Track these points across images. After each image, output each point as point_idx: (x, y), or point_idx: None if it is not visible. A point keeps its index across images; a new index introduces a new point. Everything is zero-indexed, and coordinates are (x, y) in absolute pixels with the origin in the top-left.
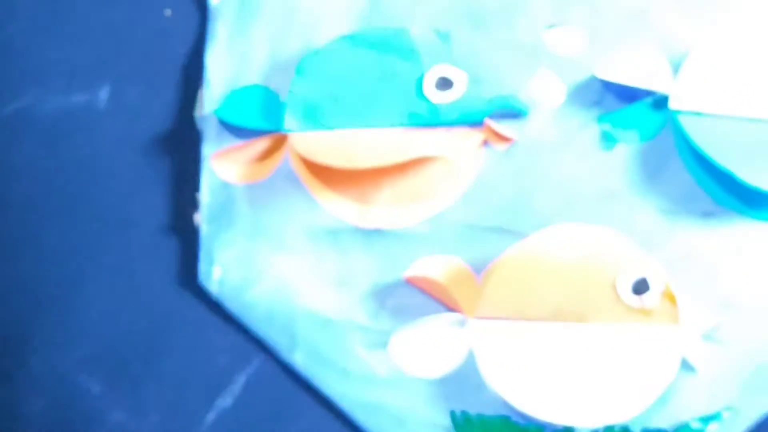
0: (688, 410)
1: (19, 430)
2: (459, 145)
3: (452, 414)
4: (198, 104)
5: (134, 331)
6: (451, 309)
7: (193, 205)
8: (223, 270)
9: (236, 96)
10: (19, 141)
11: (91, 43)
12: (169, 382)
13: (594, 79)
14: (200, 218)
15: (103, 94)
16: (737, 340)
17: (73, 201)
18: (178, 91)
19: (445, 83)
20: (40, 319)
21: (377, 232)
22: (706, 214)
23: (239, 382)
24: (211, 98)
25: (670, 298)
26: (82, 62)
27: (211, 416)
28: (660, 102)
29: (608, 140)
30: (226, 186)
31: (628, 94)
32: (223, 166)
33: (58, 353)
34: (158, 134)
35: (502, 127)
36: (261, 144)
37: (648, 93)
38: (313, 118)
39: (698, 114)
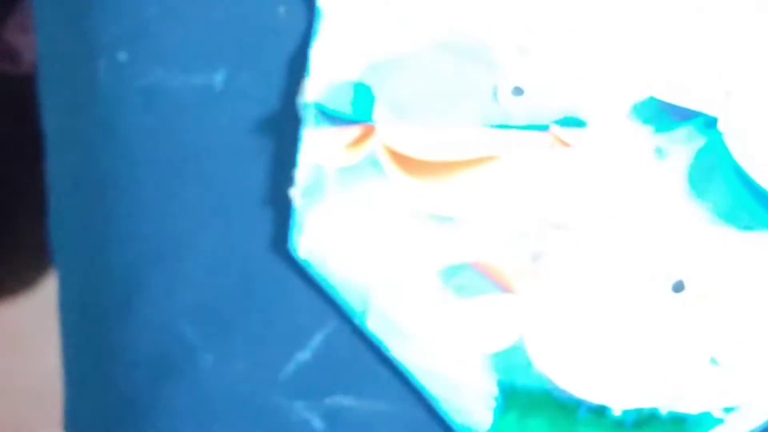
0: (711, 400)
1: (125, 372)
2: (525, 147)
3: (500, 384)
4: (301, 93)
5: (229, 287)
6: (507, 292)
7: (290, 181)
8: (310, 240)
9: (335, 88)
10: (146, 112)
11: (211, 30)
12: (255, 334)
13: (653, 99)
14: (295, 193)
15: (219, 77)
16: (763, 340)
17: (185, 169)
18: (285, 80)
19: (517, 91)
20: (150, 271)
21: (449, 219)
22: (747, 228)
23: (317, 339)
24: (313, 88)
25: (703, 299)
26: (203, 47)
27: (290, 366)
28: (710, 123)
29: (660, 155)
30: (319, 167)
31: (682, 114)
32: (318, 148)
33: (163, 302)
34: (264, 117)
35: (565, 132)
36: (352, 132)
37: (699, 114)
38: (399, 113)
39: (745, 135)
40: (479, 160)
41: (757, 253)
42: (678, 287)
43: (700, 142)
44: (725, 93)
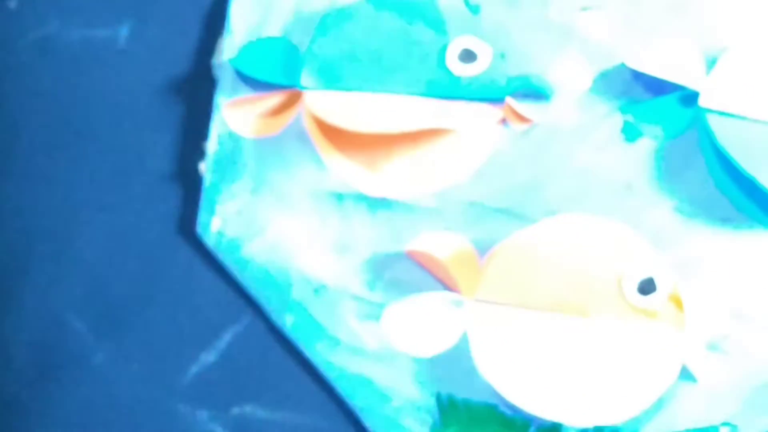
0: (683, 420)
1: (5, 366)
2: (476, 121)
3: (438, 396)
4: (217, 52)
5: (126, 275)
6: (449, 288)
7: (200, 153)
8: (222, 222)
9: (255, 47)
10: (38, 69)
11: None
12: (155, 331)
13: (623, 68)
14: (205, 168)
15: (124, 31)
16: (744, 353)
17: (81, 134)
18: (199, 37)
19: (468, 56)
20: (35, 252)
21: (383, 201)
22: (724, 220)
23: (225, 338)
24: (230, 46)
25: (677, 301)
26: None
27: (193, 369)
28: (689, 98)
29: (631, 132)
30: (234, 137)
31: (656, 87)
32: (234, 116)
33: (50, 289)
34: (174, 78)
35: (523, 106)
36: (275, 98)
37: (678, 87)
38: (331, 77)
39: (728, 115)
40: (420, 135)
41: (735, 250)
42: (646, 288)
43: (677, 120)
44: (707, 63)
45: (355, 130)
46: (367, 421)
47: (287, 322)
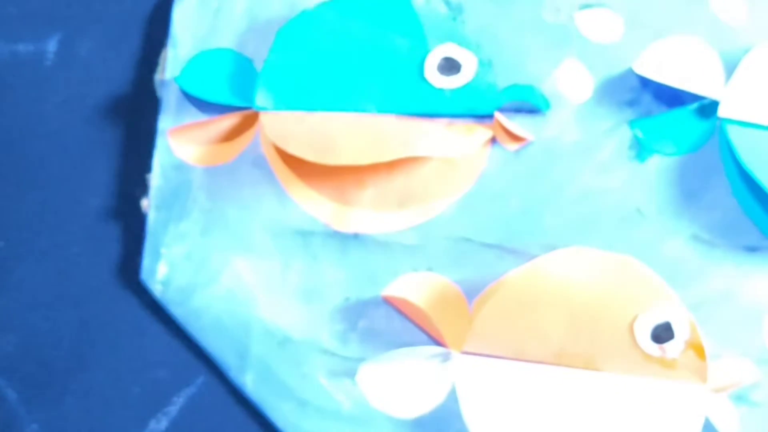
0: None
1: None
2: (461, 141)
3: None
4: (160, 66)
5: (61, 331)
6: (434, 339)
7: (142, 187)
8: (169, 268)
9: (203, 60)
10: None
11: None
12: (95, 397)
13: (630, 74)
14: (148, 204)
15: (52, 45)
16: None
17: (7, 166)
18: (138, 49)
19: (450, 65)
20: None
21: (355, 238)
22: (751, 249)
23: (178, 403)
24: (175, 60)
25: (697, 348)
26: (30, 6)
27: None
28: (707, 108)
29: (641, 149)
30: (182, 167)
31: (669, 96)
32: (180, 143)
33: None
34: (110, 98)
35: (515, 123)
36: (227, 121)
37: (694, 96)
38: (290, 95)
39: (753, 126)
40: (397, 164)
41: (765, 284)
42: (662, 334)
43: (693, 134)
44: (726, 67)
45: (322, 161)
46: None
47: (248, 381)
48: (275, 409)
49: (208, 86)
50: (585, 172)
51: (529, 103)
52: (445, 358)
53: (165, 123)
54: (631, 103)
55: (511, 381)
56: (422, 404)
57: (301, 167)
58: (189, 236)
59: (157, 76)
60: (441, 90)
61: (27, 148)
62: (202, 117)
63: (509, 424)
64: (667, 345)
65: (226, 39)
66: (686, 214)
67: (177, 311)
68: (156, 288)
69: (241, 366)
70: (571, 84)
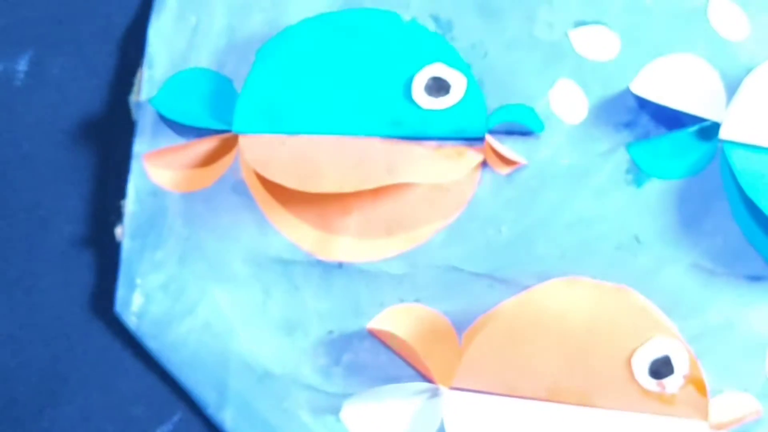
0: None
1: None
2: (450, 166)
3: None
4: (135, 87)
5: (31, 366)
6: (422, 374)
7: (117, 214)
8: (144, 298)
9: (180, 81)
10: None
11: (10, 1)
12: None
13: (627, 94)
14: (122, 231)
15: (22, 64)
16: None
17: None
18: (113, 69)
19: (439, 86)
20: None
21: (338, 267)
22: (754, 278)
23: None
24: (151, 81)
25: (698, 383)
26: None
27: None
28: (708, 131)
29: (638, 173)
30: (157, 193)
31: (667, 117)
32: (156, 168)
33: None
34: (83, 120)
35: (506, 146)
36: (205, 145)
37: (694, 118)
38: (271, 117)
39: (756, 149)
40: (383, 190)
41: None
42: (660, 369)
43: (694, 157)
44: (727, 87)
45: (304, 188)
46: None
47: (227, 418)
48: None
49: (186, 108)
50: (580, 197)
51: (521, 125)
52: (434, 394)
53: (140, 147)
54: (629, 125)
55: (502, 418)
56: None
57: (282, 193)
58: (165, 265)
59: (133, 98)
60: (429, 111)
61: None
62: (179, 140)
63: None
64: (666, 380)
65: (204, 58)
66: (686, 241)
67: (152, 345)
68: (131, 320)
69: (219, 402)
70: (566, 104)
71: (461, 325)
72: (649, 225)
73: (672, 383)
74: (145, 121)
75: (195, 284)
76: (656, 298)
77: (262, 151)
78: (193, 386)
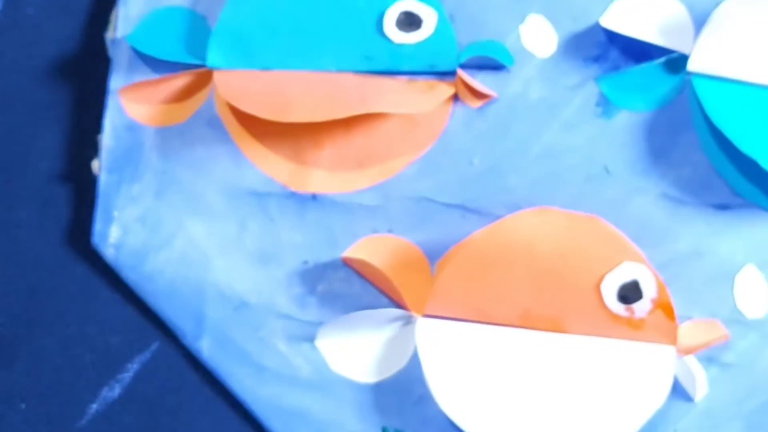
0: None
1: None
2: (421, 98)
3: (384, 431)
4: (111, 25)
5: (10, 296)
6: (395, 302)
7: (93, 148)
8: (122, 231)
9: (155, 18)
10: None
11: None
12: (45, 365)
13: (596, 28)
14: (99, 165)
15: None
16: (748, 366)
17: None
18: (88, 7)
19: (410, 20)
20: None
21: (313, 199)
22: (722, 207)
23: (131, 370)
24: (126, 18)
25: (666, 308)
26: None
27: (93, 408)
28: (676, 63)
29: (608, 105)
30: (134, 128)
31: (636, 50)
32: (132, 103)
33: None
34: (59, 57)
35: (478, 80)
36: (180, 80)
37: (662, 51)
38: (244, 52)
39: (723, 81)
40: (354, 120)
41: (736, 243)
42: (629, 294)
43: (662, 89)
44: (695, 20)
45: (274, 119)
46: None
47: (203, 347)
48: (232, 375)
49: (161, 44)
50: (550, 129)
51: (492, 59)
52: (407, 321)
53: (116, 83)
54: (598, 59)
55: (475, 344)
56: (383, 369)
57: (256, 127)
58: (142, 199)
59: (108, 35)
60: (400, 46)
61: None
62: (155, 76)
63: (473, 388)
64: (634, 305)
65: None
66: (655, 172)
67: (130, 276)
68: (108, 252)
69: (196, 331)
70: (536, 39)
71: (434, 255)
72: (619, 156)
73: (640, 308)
74: (120, 57)
75: (171, 216)
76: (625, 228)
77: (235, 85)
78: (170, 316)
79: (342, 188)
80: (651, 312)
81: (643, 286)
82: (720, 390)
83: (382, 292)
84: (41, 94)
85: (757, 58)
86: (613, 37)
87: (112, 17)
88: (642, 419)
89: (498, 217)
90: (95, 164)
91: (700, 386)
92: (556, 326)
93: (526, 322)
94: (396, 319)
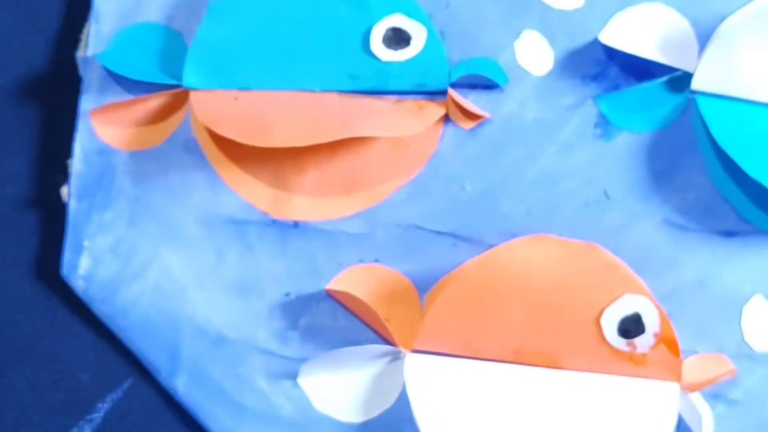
0: None
1: None
2: (410, 120)
3: None
4: (82, 42)
5: None
6: (382, 337)
7: (62, 173)
8: (92, 261)
9: (128, 36)
10: None
11: None
12: (11, 404)
13: (595, 45)
14: (69, 192)
15: None
16: (755, 402)
17: None
18: (58, 24)
19: (398, 37)
20: None
21: (295, 227)
22: (727, 234)
23: (102, 409)
24: (98, 36)
25: (670, 343)
26: None
27: None
28: (679, 81)
29: (607, 126)
30: (105, 151)
31: (637, 68)
32: (104, 125)
33: None
34: (27, 77)
35: (470, 100)
36: (155, 101)
37: (665, 68)
38: (223, 71)
39: (730, 100)
40: (340, 146)
41: (742, 272)
42: (631, 328)
43: (665, 109)
44: (698, 37)
45: (258, 143)
46: None
47: (179, 384)
48: (210, 415)
49: (134, 63)
50: (546, 152)
51: (485, 78)
52: (395, 357)
53: (87, 104)
54: (597, 77)
55: (466, 381)
56: (370, 408)
57: (235, 151)
58: (114, 227)
59: (79, 53)
60: (388, 64)
61: None
62: (128, 97)
63: (465, 428)
64: (636, 340)
65: (153, 12)
66: (657, 196)
67: (101, 309)
68: (78, 284)
69: (171, 368)
70: (531, 56)
71: (423, 285)
72: (619, 180)
73: (643, 342)
74: (91, 77)
75: (145, 246)
76: (626, 256)
77: (213, 107)
78: (144, 352)
79: (326, 215)
80: (654, 347)
81: (645, 319)
82: (727, 429)
83: (368, 326)
84: (8, 116)
85: (765, 77)
86: (612, 54)
87: (83, 34)
88: None
89: (491, 246)
90: (64, 190)
91: (707, 425)
92: (552, 362)
93: (521, 357)
94: (383, 354)
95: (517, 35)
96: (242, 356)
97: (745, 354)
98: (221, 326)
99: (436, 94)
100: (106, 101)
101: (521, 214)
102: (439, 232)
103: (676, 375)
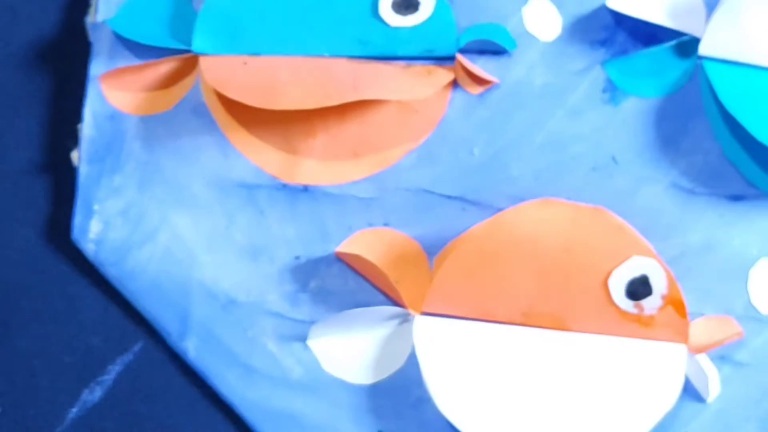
0: None
1: None
2: (419, 84)
3: None
4: (92, 8)
5: None
6: (391, 299)
7: (73, 138)
8: (102, 225)
9: (138, 1)
10: None
11: None
12: (22, 367)
13: (603, 10)
14: (79, 156)
15: None
16: (762, 364)
17: None
18: None
19: (407, 3)
20: None
21: (304, 191)
22: (735, 197)
23: (113, 371)
24: (108, 1)
25: (677, 305)
26: None
27: (73, 413)
28: (687, 46)
29: (615, 91)
30: (115, 116)
31: (645, 33)
32: (113, 90)
33: None
34: (37, 43)
35: (478, 65)
36: (164, 66)
37: (672, 33)
38: (232, 36)
39: (737, 65)
40: (348, 108)
41: (749, 235)
42: (638, 290)
43: (672, 74)
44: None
45: (262, 106)
46: None
47: (189, 347)
48: (219, 377)
49: (144, 28)
50: (555, 117)
51: (493, 43)
52: (404, 319)
53: (97, 69)
54: (605, 42)
55: (475, 343)
56: (379, 369)
57: (245, 115)
58: (124, 191)
59: (88, 19)
60: (397, 29)
61: None
62: (138, 62)
63: (474, 390)
64: (644, 301)
65: None
66: (664, 161)
67: (111, 272)
68: (88, 247)
69: (182, 331)
70: (539, 22)
71: (432, 249)
72: (627, 145)
73: (650, 304)
74: (101, 42)
75: (155, 210)
76: (634, 220)
77: (222, 72)
78: (154, 315)
79: (335, 179)
80: (661, 309)
81: (652, 281)
82: (733, 390)
83: (377, 288)
84: (18, 82)
85: None
86: (620, 20)
87: (92, 1)
88: (651, 421)
89: (500, 210)
90: (75, 155)
91: (713, 386)
92: (560, 324)
93: (529, 319)
94: (392, 317)
95: (525, 1)
96: (252, 319)
97: (751, 316)
98: (231, 289)
99: (445, 60)
100: (116, 66)
101: (529, 179)
102: (448, 196)
103: (683, 337)
